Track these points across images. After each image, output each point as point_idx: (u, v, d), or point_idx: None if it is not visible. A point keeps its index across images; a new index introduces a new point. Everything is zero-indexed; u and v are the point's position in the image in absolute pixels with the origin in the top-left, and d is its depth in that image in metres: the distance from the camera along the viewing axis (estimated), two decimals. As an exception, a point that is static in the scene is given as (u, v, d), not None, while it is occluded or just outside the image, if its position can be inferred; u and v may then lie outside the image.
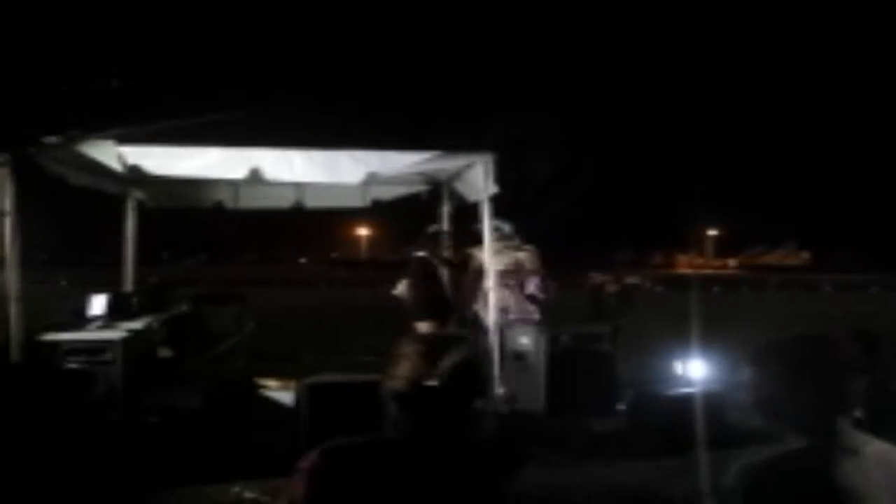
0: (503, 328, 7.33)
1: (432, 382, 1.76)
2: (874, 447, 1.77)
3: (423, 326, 8.10)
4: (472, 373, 1.81)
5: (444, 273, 8.16)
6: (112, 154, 6.35)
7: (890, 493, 1.70)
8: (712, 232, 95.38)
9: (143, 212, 9.40)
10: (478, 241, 7.42)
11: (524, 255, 8.02)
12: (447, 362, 1.78)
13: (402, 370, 1.82)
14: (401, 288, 8.33)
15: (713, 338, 8.23)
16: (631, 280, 12.08)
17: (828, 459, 1.73)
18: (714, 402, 6.33)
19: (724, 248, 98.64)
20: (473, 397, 1.82)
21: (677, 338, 8.34)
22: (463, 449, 1.80)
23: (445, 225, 8.99)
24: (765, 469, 1.77)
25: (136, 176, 6.97)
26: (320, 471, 1.76)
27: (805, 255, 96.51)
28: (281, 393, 6.07)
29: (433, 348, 1.82)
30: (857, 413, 3.88)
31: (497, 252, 7.65)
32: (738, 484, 1.76)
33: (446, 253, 8.22)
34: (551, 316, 7.92)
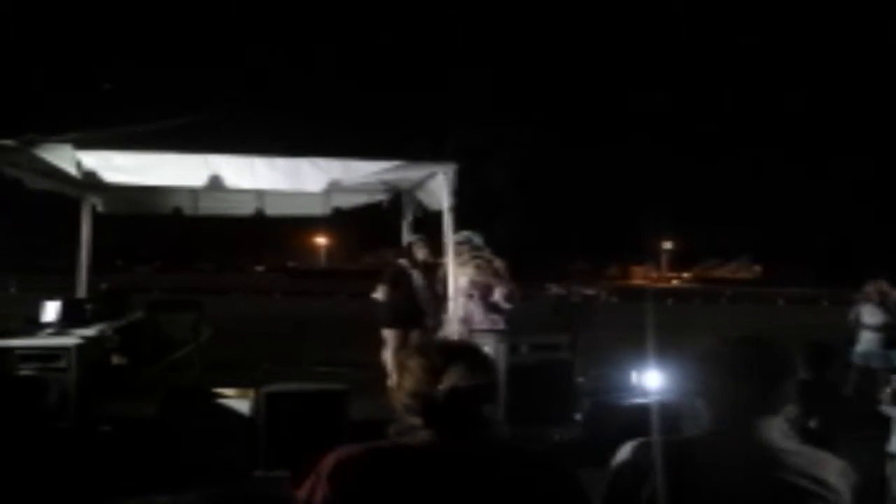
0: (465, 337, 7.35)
1: (440, 393, 1.77)
2: (771, 446, 1.88)
3: (387, 333, 8.11)
4: (480, 379, 1.82)
5: (420, 281, 8.17)
6: (69, 158, 6.25)
7: (765, 489, 1.84)
8: (667, 244, 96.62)
9: (97, 217, 9.25)
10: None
11: (493, 266, 8.01)
12: (452, 376, 1.79)
13: (407, 384, 1.82)
14: (379, 293, 8.35)
15: (668, 349, 8.32)
16: (587, 291, 12.19)
17: (724, 449, 1.88)
18: (669, 412, 6.41)
19: (679, 260, 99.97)
20: (484, 401, 1.82)
21: (633, 348, 8.44)
22: (492, 450, 1.80)
23: (406, 234, 9.01)
24: (651, 446, 1.91)
25: (93, 181, 6.86)
26: (346, 474, 1.72)
27: (757, 269, 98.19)
28: (238, 402, 6.01)
29: (437, 362, 1.82)
30: (812, 423, 3.98)
31: (464, 263, 7.68)
32: (631, 457, 1.92)
33: (420, 256, 8.25)
34: (509, 325, 7.95)
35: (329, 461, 1.75)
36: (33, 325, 7.53)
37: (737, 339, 2.01)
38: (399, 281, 8.22)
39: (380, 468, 1.73)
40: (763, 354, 1.95)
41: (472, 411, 1.79)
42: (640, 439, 1.95)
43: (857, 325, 9.38)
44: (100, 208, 9.17)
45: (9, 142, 6.23)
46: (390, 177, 7.69)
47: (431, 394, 1.77)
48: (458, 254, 7.41)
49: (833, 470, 1.89)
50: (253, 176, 6.52)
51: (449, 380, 1.78)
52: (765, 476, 1.84)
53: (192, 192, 8.83)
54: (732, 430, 1.90)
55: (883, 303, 9.35)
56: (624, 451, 1.94)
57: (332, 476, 1.72)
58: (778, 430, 1.90)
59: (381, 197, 9.24)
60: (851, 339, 9.30)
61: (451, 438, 1.76)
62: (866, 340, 9.22)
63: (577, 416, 7.23)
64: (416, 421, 1.78)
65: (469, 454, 1.76)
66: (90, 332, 7.44)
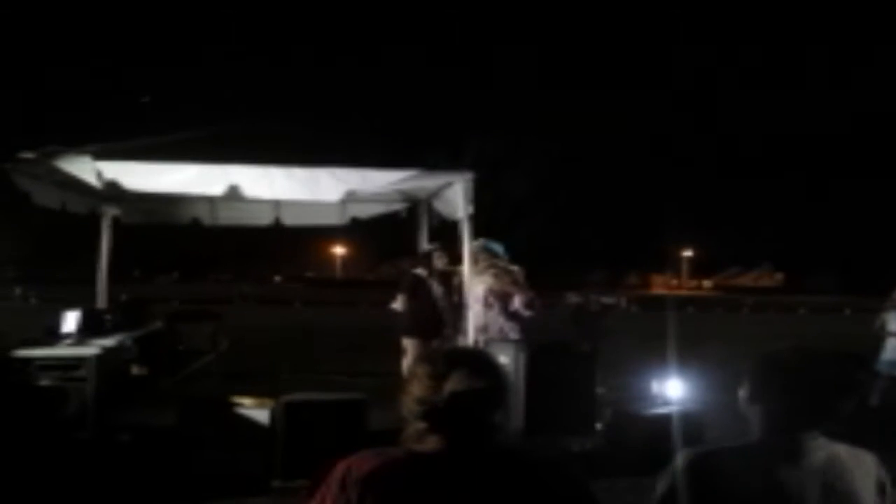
0: (482, 346, 7.30)
1: (442, 401, 1.76)
2: (824, 454, 1.89)
3: (406, 342, 8.08)
4: (484, 388, 1.80)
5: (439, 290, 8.13)
6: (89, 169, 6.27)
7: (820, 496, 1.84)
8: (687, 253, 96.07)
9: (115, 227, 9.31)
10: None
11: (511, 274, 7.96)
12: (453, 381, 1.77)
13: (415, 390, 1.81)
14: (397, 303, 8.34)
15: (689, 358, 8.26)
16: (606, 300, 12.10)
17: (774, 458, 1.88)
18: (691, 421, 6.35)
19: (699, 269, 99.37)
20: (487, 406, 1.81)
21: (654, 357, 8.38)
22: (500, 456, 1.79)
23: (424, 243, 8.99)
24: (708, 455, 1.93)
25: (113, 192, 6.89)
26: (355, 481, 1.71)
27: (779, 277, 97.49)
28: (256, 411, 6.00)
29: (441, 368, 1.81)
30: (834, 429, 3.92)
31: (481, 272, 7.64)
32: (681, 464, 1.91)
33: (439, 265, 8.21)
34: (529, 334, 7.90)
35: (339, 469, 1.75)
36: (53, 335, 7.56)
37: (804, 350, 2.01)
38: (417, 290, 8.19)
39: (389, 475, 1.72)
40: (827, 367, 1.94)
41: (475, 416, 1.78)
42: (695, 448, 1.96)
43: (883, 334, 9.24)
44: (120, 219, 9.22)
45: (30, 154, 6.27)
46: (407, 186, 7.68)
47: (434, 399, 1.77)
48: (474, 262, 7.37)
49: (877, 471, 1.91)
50: (271, 186, 6.51)
51: (450, 384, 1.77)
52: (819, 483, 1.85)
53: (211, 202, 8.88)
54: (787, 439, 1.90)
55: None
56: (679, 461, 1.93)
57: (342, 484, 1.72)
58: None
59: (398, 207, 9.24)
60: (877, 348, 9.17)
61: (458, 444, 1.75)
62: (892, 349, 9.07)
63: (598, 426, 7.17)
64: (422, 426, 1.77)
65: (476, 460, 1.75)
66: (109, 342, 7.47)
